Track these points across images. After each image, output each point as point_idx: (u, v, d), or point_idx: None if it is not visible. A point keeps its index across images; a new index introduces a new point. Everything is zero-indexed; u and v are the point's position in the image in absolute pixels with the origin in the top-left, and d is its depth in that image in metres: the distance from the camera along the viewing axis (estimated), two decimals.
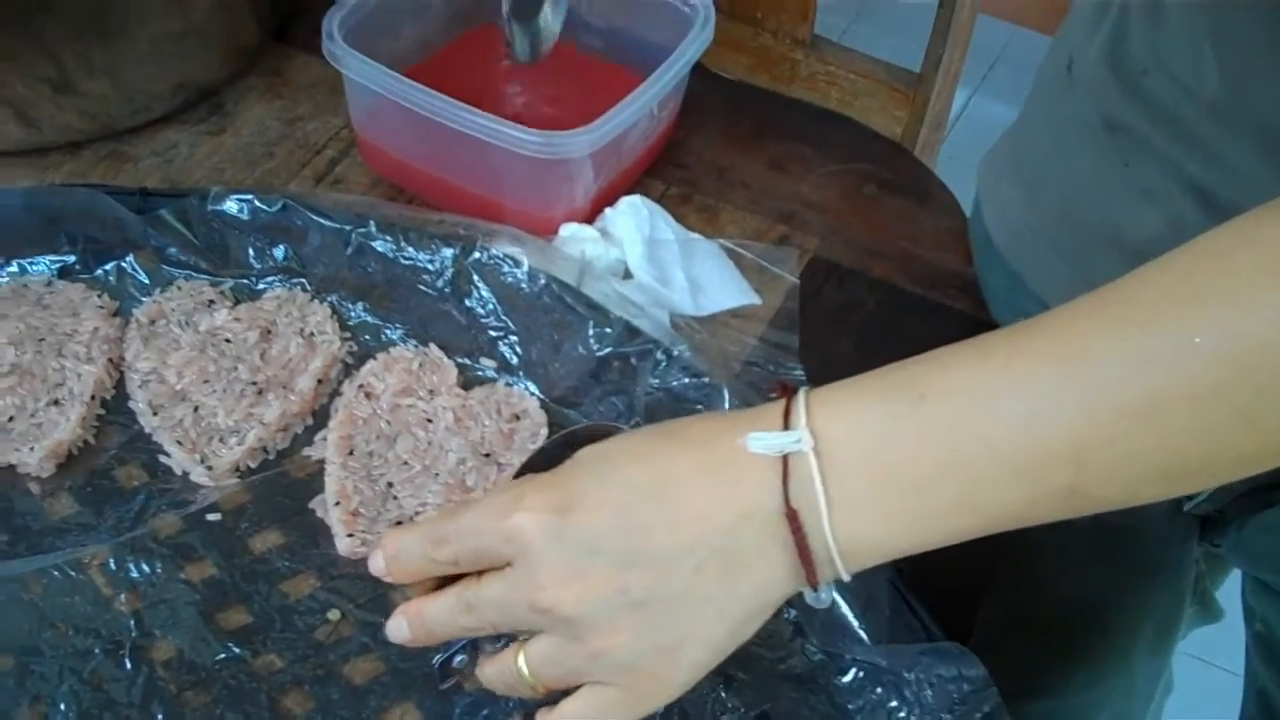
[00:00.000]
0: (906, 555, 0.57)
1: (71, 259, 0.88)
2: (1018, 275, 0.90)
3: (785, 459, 0.56)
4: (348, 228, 0.86)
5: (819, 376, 0.88)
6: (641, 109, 0.93)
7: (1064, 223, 0.85)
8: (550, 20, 0.95)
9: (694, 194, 1.01)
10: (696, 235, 0.97)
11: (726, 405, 0.80)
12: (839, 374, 0.89)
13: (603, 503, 0.58)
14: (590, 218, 0.96)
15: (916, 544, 0.56)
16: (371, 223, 0.86)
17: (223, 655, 0.72)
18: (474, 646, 0.72)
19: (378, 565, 0.64)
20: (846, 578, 0.57)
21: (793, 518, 0.56)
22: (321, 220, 0.86)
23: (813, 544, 0.56)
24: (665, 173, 1.02)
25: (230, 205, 0.87)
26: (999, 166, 0.94)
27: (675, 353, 0.82)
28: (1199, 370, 0.50)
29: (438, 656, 0.71)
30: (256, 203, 0.87)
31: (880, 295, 0.97)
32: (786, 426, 0.56)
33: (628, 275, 0.93)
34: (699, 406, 0.81)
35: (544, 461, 0.74)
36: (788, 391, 0.58)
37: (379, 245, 0.86)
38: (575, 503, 0.58)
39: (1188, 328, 0.51)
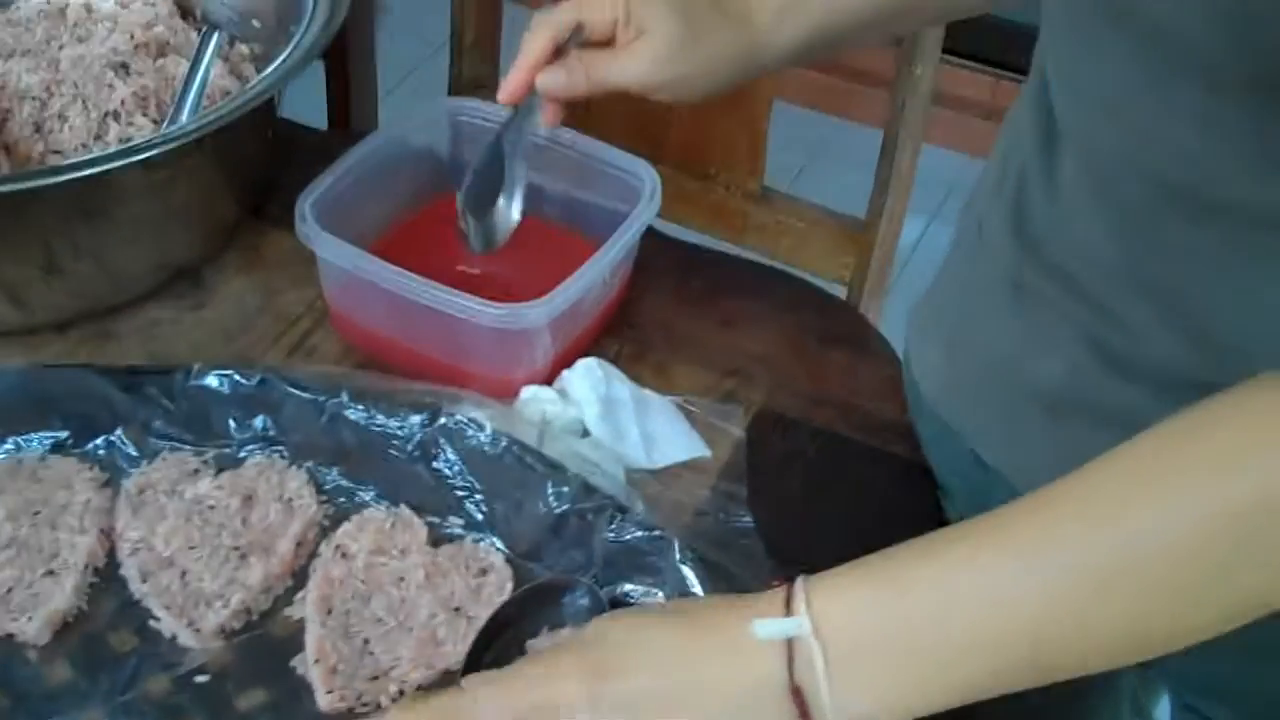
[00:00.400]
0: None
1: (64, 434, 0.94)
2: (946, 423, 0.97)
3: (790, 642, 0.65)
4: (322, 398, 0.93)
5: (768, 523, 0.95)
6: (595, 278, 1.00)
7: (983, 376, 0.92)
8: (505, 213, 1.00)
9: (646, 352, 1.08)
10: (649, 392, 1.04)
11: (677, 557, 0.86)
12: (786, 520, 0.97)
13: (638, 670, 0.67)
14: (549, 379, 1.02)
15: (904, 713, 0.65)
16: (344, 393, 0.93)
17: None
18: None
19: None
20: None
21: (797, 694, 0.64)
22: (298, 392, 0.93)
23: (815, 717, 0.64)
24: (619, 332, 1.09)
25: (211, 380, 0.94)
26: (922, 325, 1.01)
27: (629, 509, 0.88)
28: (1129, 562, 0.60)
29: None
30: (236, 377, 0.93)
31: (822, 443, 1.03)
32: (788, 612, 0.65)
33: (586, 433, 0.99)
34: (652, 558, 0.87)
35: (511, 613, 0.80)
36: (786, 582, 0.67)
37: (351, 414, 0.93)
38: (611, 669, 0.67)
39: (1121, 526, 0.61)
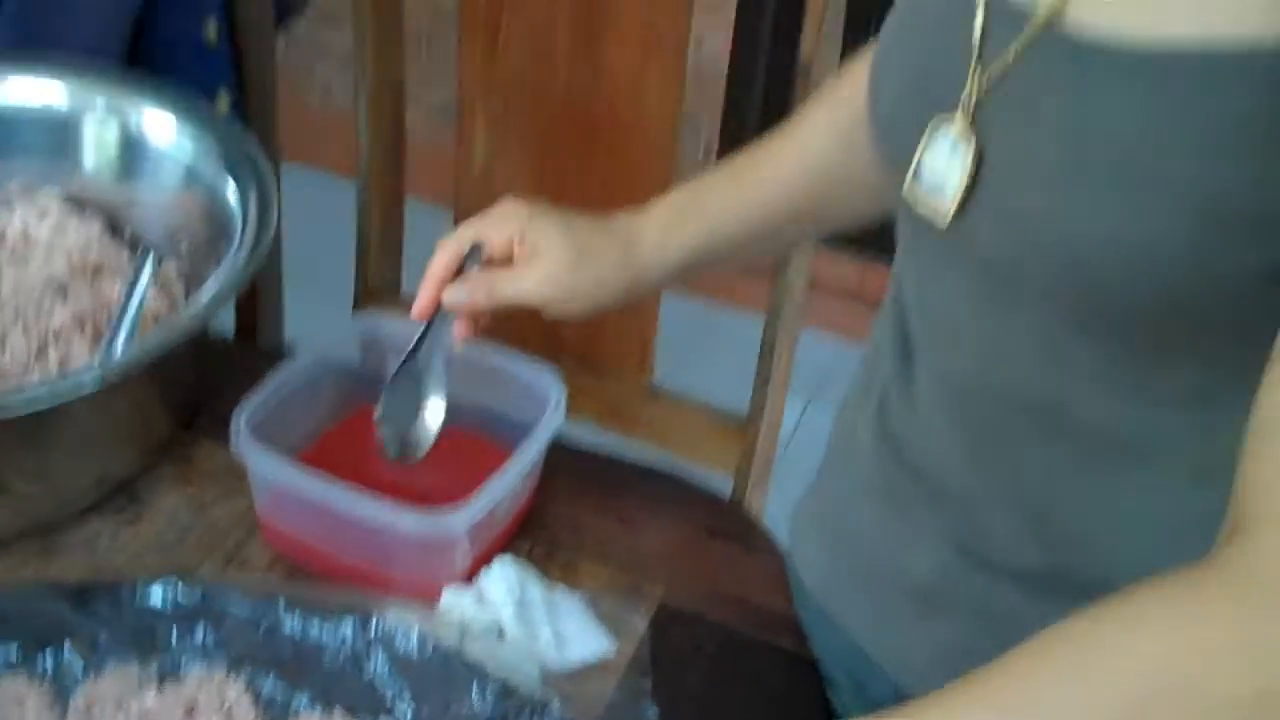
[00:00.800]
0: None
1: (14, 649, 1.00)
2: (826, 613, 1.07)
3: None
4: (259, 612, 1.01)
5: (672, 714, 1.04)
6: (509, 484, 1.10)
7: (860, 572, 1.03)
8: (424, 425, 1.11)
9: (555, 551, 1.18)
10: (561, 589, 1.13)
11: None
12: (689, 711, 1.06)
13: None
14: (469, 577, 1.11)
15: None
16: (280, 604, 1.01)
17: None
18: None
19: None
20: None
21: None
22: (234, 607, 1.01)
23: None
24: (531, 533, 1.19)
25: (155, 595, 1.01)
26: (803, 524, 1.12)
27: (548, 707, 0.97)
28: None
29: None
30: (178, 592, 1.01)
31: (719, 638, 1.13)
32: None
33: (503, 633, 1.08)
34: None
35: None
36: None
37: (287, 626, 1.01)
38: None
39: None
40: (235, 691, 1.00)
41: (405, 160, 1.72)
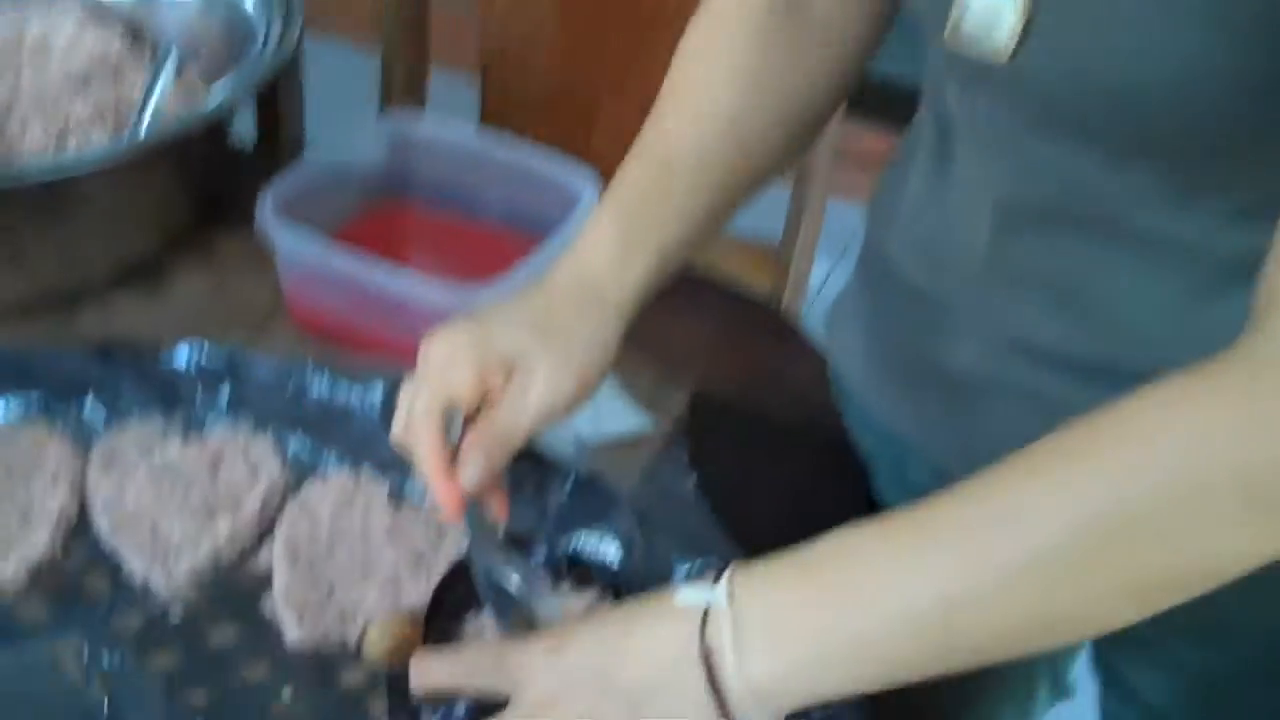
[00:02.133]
0: (822, 698, 0.68)
1: (36, 395, 0.98)
2: (865, 408, 1.04)
3: (706, 611, 0.68)
4: (285, 371, 0.98)
5: (707, 499, 1.01)
6: (540, 264, 1.07)
7: (896, 360, 0.99)
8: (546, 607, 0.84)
9: None
10: None
11: (626, 508, 0.91)
12: (725, 496, 1.02)
13: (583, 643, 0.72)
14: None
15: (816, 688, 0.68)
16: (308, 367, 0.98)
17: None
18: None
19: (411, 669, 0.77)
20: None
21: (708, 660, 0.68)
22: (261, 370, 0.99)
23: (725, 683, 0.67)
24: None
25: (180, 357, 0.99)
26: (840, 322, 1.08)
27: (578, 473, 0.95)
28: (1033, 539, 0.63)
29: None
30: (203, 355, 0.99)
31: (756, 424, 1.10)
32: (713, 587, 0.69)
33: None
34: (602, 512, 0.93)
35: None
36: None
37: (314, 389, 0.98)
38: (563, 645, 0.73)
39: (1029, 515, 0.64)
40: (262, 448, 0.97)
41: (428, 26, 1.69)
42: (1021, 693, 1.16)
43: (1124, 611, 0.64)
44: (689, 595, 0.69)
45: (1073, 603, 0.64)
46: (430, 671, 0.77)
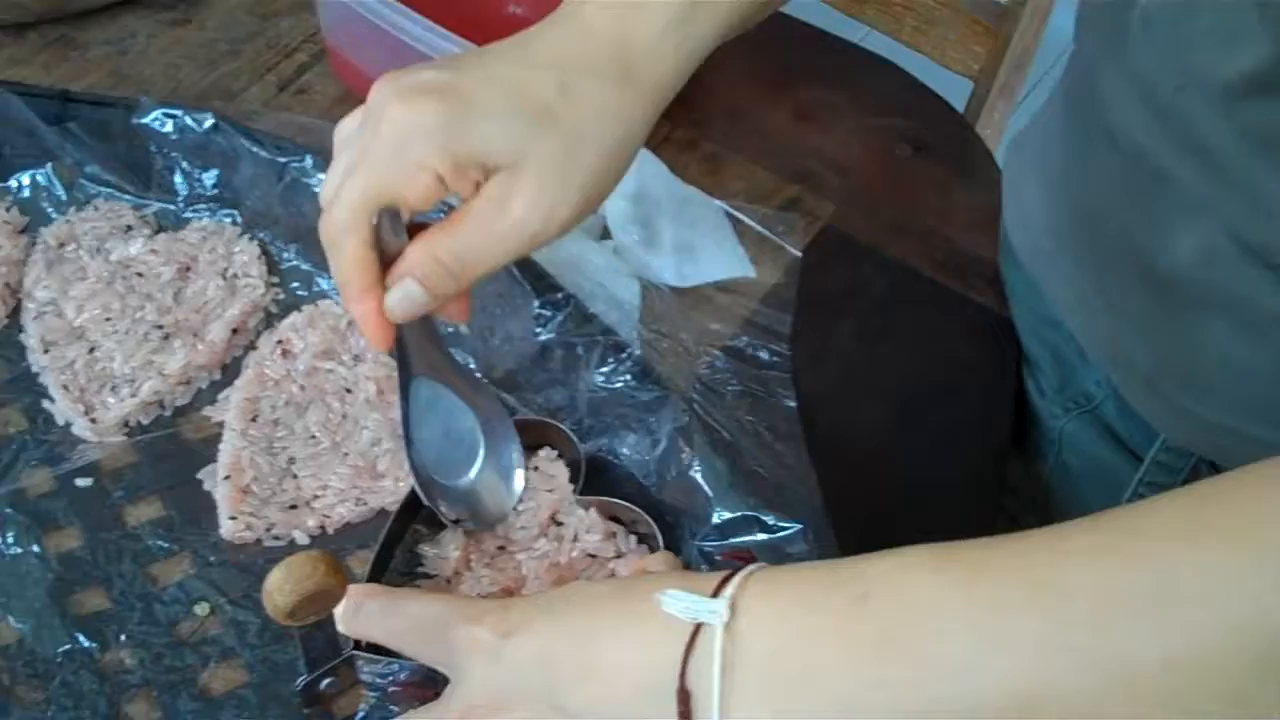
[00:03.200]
0: None
1: None
2: (1035, 281, 0.79)
3: (696, 630, 0.48)
4: (281, 159, 0.77)
5: (810, 366, 0.79)
6: None
7: (1084, 235, 0.73)
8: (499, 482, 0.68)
9: (700, 140, 0.90)
10: (694, 191, 0.86)
11: (674, 419, 0.70)
12: (832, 365, 0.80)
13: (538, 635, 0.53)
14: None
15: None
16: (308, 156, 0.76)
17: (67, 646, 0.64)
18: (348, 667, 0.64)
19: (340, 613, 0.60)
20: None
21: (683, 699, 0.47)
22: (254, 147, 0.77)
23: None
24: (670, 113, 0.91)
25: (156, 119, 0.78)
26: (1023, 158, 0.81)
27: (627, 352, 0.72)
28: (1178, 628, 0.39)
29: (303, 678, 0.63)
30: (186, 119, 0.78)
31: (893, 278, 0.85)
32: (716, 594, 0.48)
33: (606, 234, 0.83)
34: (645, 415, 0.71)
35: None
36: (743, 560, 0.52)
37: (314, 184, 0.76)
38: (517, 629, 0.54)
39: (1176, 572, 0.40)
40: (246, 256, 0.78)
41: None
42: None
43: None
44: (678, 601, 0.49)
45: None
46: (363, 620, 0.60)
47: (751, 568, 0.50)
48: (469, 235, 0.57)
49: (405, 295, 0.58)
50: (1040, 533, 0.44)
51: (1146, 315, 0.70)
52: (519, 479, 0.69)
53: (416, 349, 0.64)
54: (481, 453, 0.67)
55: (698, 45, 0.61)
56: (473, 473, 0.67)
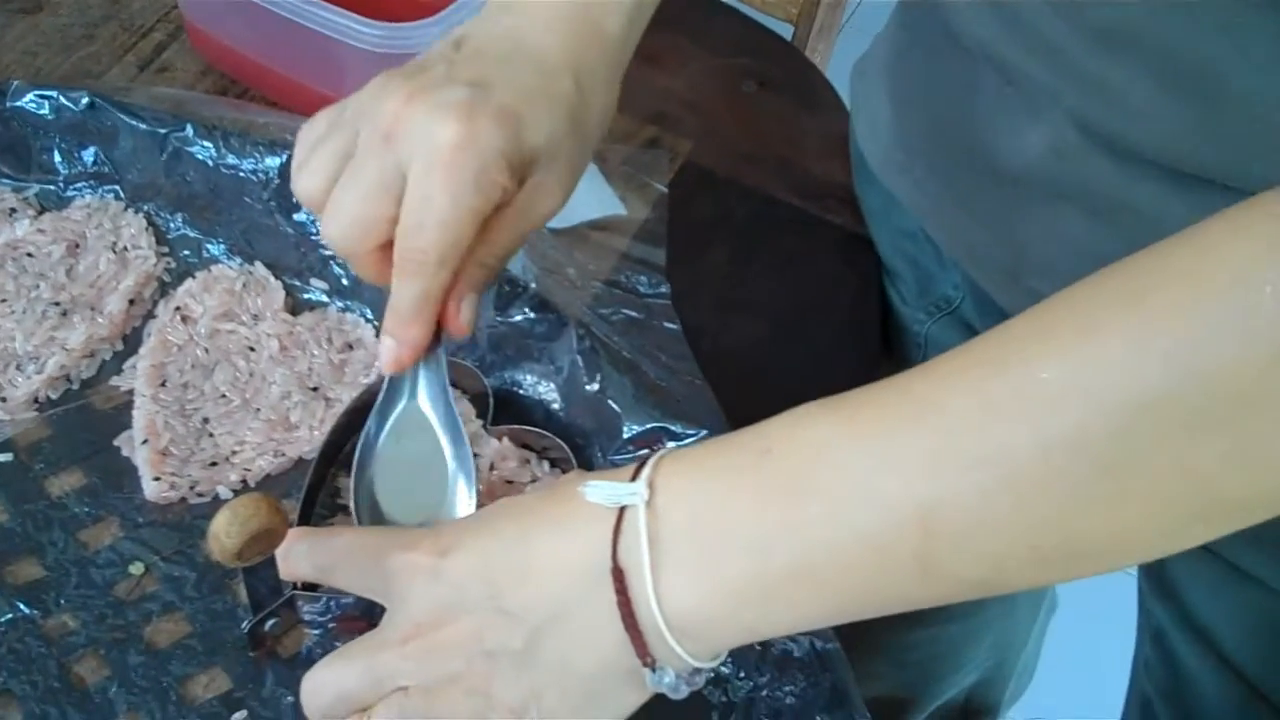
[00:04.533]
0: (757, 638, 0.52)
1: None
2: (890, 192, 0.84)
3: (620, 514, 0.51)
4: (162, 130, 0.78)
5: (688, 293, 0.83)
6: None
7: (935, 141, 0.78)
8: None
9: None
10: None
11: (574, 345, 0.73)
12: (708, 291, 0.84)
13: (472, 548, 0.55)
14: None
15: (758, 622, 0.50)
16: (189, 125, 0.78)
17: (9, 615, 0.65)
18: (289, 608, 0.66)
19: (280, 555, 0.62)
20: (692, 663, 0.51)
21: (618, 577, 0.50)
22: (133, 121, 0.78)
23: (638, 611, 0.50)
24: None
25: (30, 101, 0.78)
26: (869, 77, 0.86)
27: (522, 285, 0.75)
28: (1044, 413, 0.44)
29: (248, 622, 0.65)
30: (61, 99, 0.78)
31: (754, 205, 0.90)
32: (633, 480, 0.51)
33: None
34: (545, 343, 0.74)
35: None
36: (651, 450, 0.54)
37: (197, 151, 0.78)
38: (452, 547, 0.55)
39: (1036, 366, 0.45)
40: (133, 229, 0.79)
41: None
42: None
43: (1175, 531, 0.46)
44: (600, 490, 0.52)
45: (1103, 517, 0.45)
46: (295, 559, 0.62)
47: (662, 451, 0.53)
48: (505, 234, 0.59)
49: (473, 310, 0.60)
50: (916, 368, 0.49)
51: (1002, 212, 0.75)
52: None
53: (418, 372, 0.63)
54: (445, 504, 0.65)
55: (640, 28, 0.65)
56: (426, 516, 0.65)
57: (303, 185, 0.59)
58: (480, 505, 0.69)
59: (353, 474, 0.65)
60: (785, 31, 1.28)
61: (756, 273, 0.87)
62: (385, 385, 0.64)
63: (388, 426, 0.65)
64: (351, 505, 0.65)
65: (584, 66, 0.60)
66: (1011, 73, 0.68)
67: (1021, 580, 0.48)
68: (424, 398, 0.64)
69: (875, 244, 0.89)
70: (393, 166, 0.56)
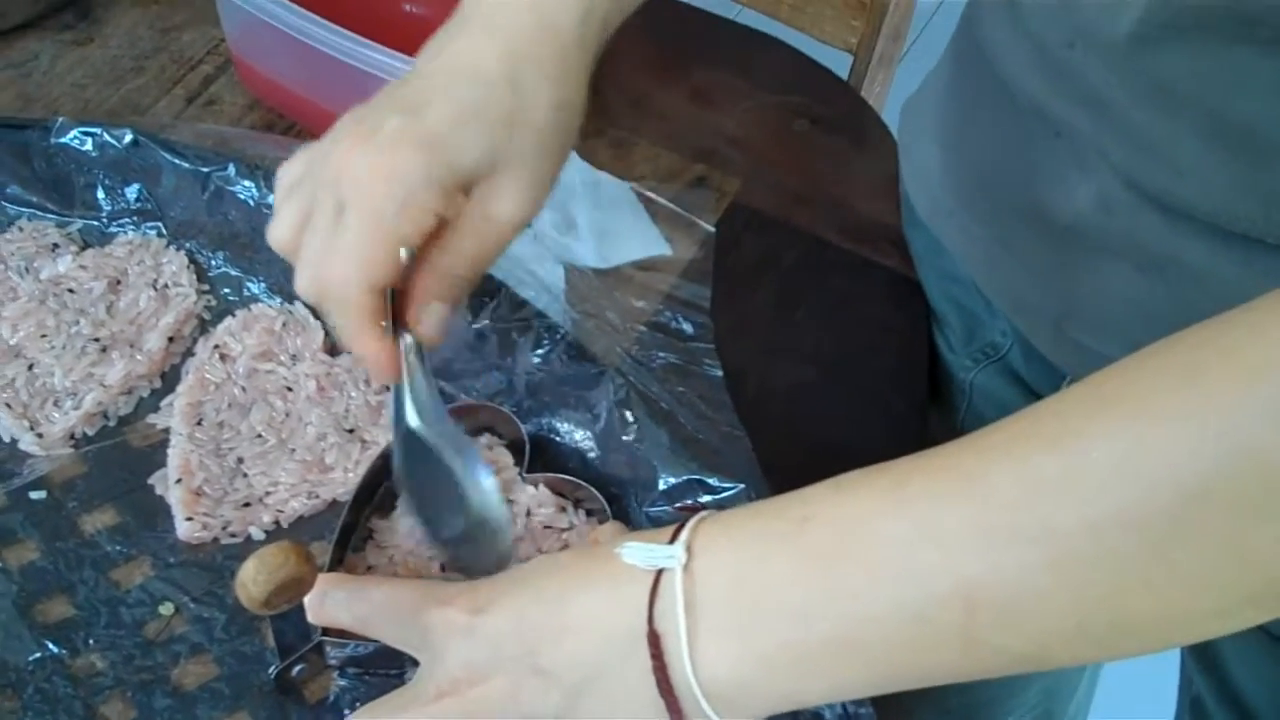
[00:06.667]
0: (794, 706, 0.51)
1: None
2: (937, 239, 0.82)
3: (658, 577, 0.50)
4: (205, 169, 0.78)
5: (732, 335, 0.82)
6: None
7: (983, 189, 0.77)
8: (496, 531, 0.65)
9: (607, 127, 0.93)
10: (605, 175, 0.89)
11: (611, 394, 0.72)
12: (753, 333, 0.83)
13: (509, 606, 0.55)
14: None
15: (795, 691, 0.50)
16: (231, 165, 0.78)
17: (37, 655, 0.65)
18: (317, 654, 0.65)
19: (308, 602, 0.62)
20: None
21: (654, 641, 0.50)
22: (175, 159, 0.78)
23: (674, 677, 0.50)
24: None
25: (75, 138, 0.79)
26: (918, 120, 0.85)
27: (561, 333, 0.75)
28: (1094, 492, 0.43)
29: (274, 666, 0.65)
30: (105, 135, 0.78)
31: (803, 247, 0.89)
32: (673, 542, 0.51)
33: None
34: (582, 392, 0.73)
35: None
36: (692, 512, 0.53)
37: (239, 190, 0.78)
38: (488, 605, 0.55)
39: (1087, 444, 0.43)
40: (174, 266, 0.79)
41: None
42: None
43: (1226, 613, 0.44)
44: (638, 552, 0.52)
45: (1152, 598, 0.43)
46: (330, 607, 0.61)
47: (701, 514, 0.53)
48: (468, 244, 0.59)
49: (438, 318, 0.59)
50: (962, 439, 0.48)
51: (1049, 264, 0.74)
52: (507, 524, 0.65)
53: (415, 393, 0.62)
54: (467, 507, 0.64)
55: (607, 23, 0.64)
56: (459, 527, 0.65)
57: (274, 236, 0.59)
58: (520, 551, 0.68)
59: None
60: (843, 61, 1.27)
61: (803, 316, 0.86)
62: (390, 407, 0.63)
63: (400, 449, 0.64)
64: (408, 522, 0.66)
65: (524, 68, 0.59)
66: (1059, 125, 0.67)
67: (1066, 657, 0.47)
68: (413, 418, 0.62)
69: (924, 288, 0.87)
70: (340, 211, 0.56)
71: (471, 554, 0.65)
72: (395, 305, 0.59)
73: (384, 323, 0.58)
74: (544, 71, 0.60)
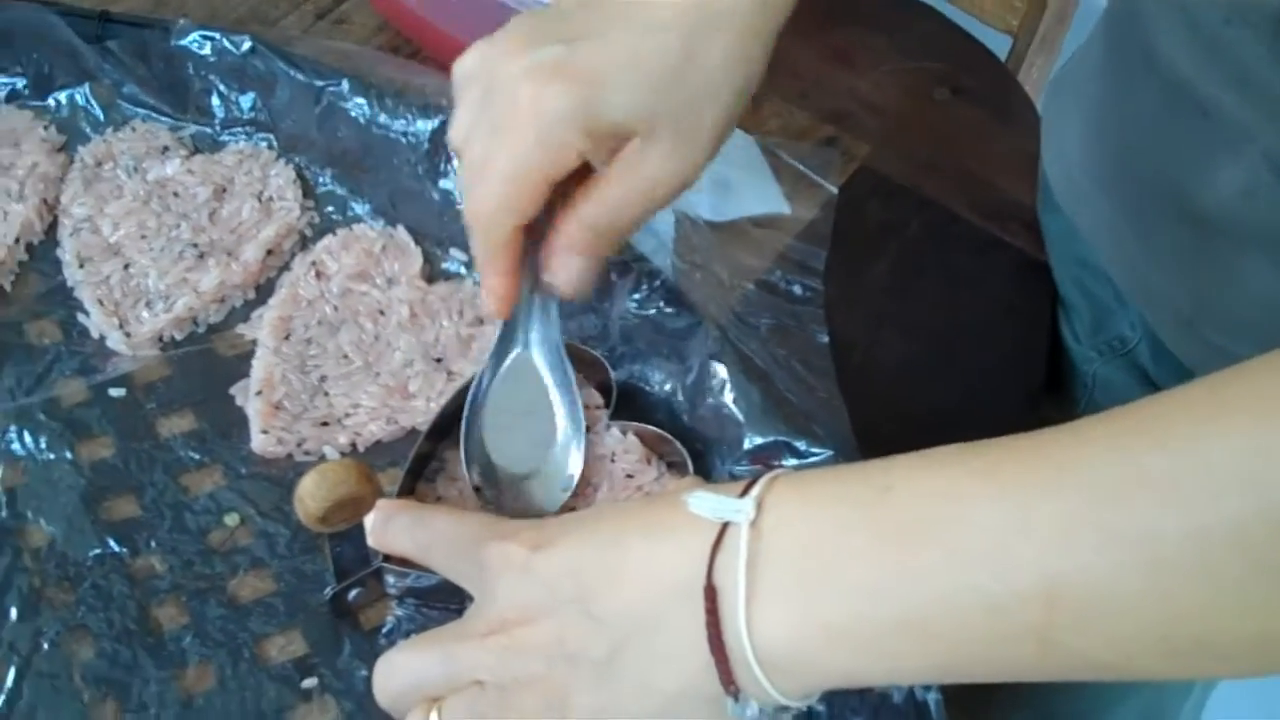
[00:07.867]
0: (851, 684, 0.48)
1: (20, 83, 0.80)
2: (1073, 223, 0.78)
3: (723, 529, 0.48)
4: (319, 83, 0.77)
5: (843, 302, 0.79)
6: None
7: (1122, 170, 0.72)
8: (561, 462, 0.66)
9: None
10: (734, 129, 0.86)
11: (706, 346, 0.69)
12: (866, 302, 0.80)
13: (567, 547, 0.53)
14: None
15: (853, 669, 0.46)
16: (345, 81, 0.76)
17: (98, 550, 0.64)
18: (375, 580, 0.64)
19: (370, 524, 0.61)
20: (779, 699, 0.47)
21: (710, 595, 0.47)
22: (291, 71, 0.77)
23: (727, 636, 0.47)
24: None
25: (194, 41, 0.78)
26: (1063, 94, 0.80)
27: (660, 278, 0.72)
28: (1204, 499, 0.39)
29: (331, 588, 0.63)
30: (223, 41, 0.78)
31: (929, 218, 0.85)
32: (744, 496, 0.48)
33: None
34: (678, 341, 0.71)
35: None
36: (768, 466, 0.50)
37: (351, 108, 0.77)
38: (548, 543, 0.53)
39: (1202, 446, 0.40)
40: (281, 179, 0.78)
41: None
42: None
43: None
44: (705, 502, 0.49)
45: (1247, 621, 0.40)
46: (392, 532, 0.60)
47: (777, 471, 0.50)
48: (615, 200, 0.56)
49: (573, 271, 0.58)
50: (1063, 426, 0.44)
51: (1184, 253, 0.69)
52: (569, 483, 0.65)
53: (529, 322, 0.64)
54: (552, 456, 0.65)
55: None
56: (534, 466, 0.65)
57: (450, 135, 0.58)
58: (597, 498, 0.66)
59: (464, 417, 0.64)
60: (1002, 44, 1.22)
61: (922, 289, 0.82)
62: (500, 332, 0.64)
63: (500, 372, 0.64)
64: (461, 450, 0.64)
65: (701, 23, 0.55)
66: (1207, 104, 0.62)
67: (1146, 669, 0.43)
68: (535, 349, 0.64)
69: (1053, 273, 0.83)
70: (494, 131, 0.54)
71: (513, 499, 0.65)
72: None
73: (513, 257, 0.57)
74: (727, 27, 0.56)
